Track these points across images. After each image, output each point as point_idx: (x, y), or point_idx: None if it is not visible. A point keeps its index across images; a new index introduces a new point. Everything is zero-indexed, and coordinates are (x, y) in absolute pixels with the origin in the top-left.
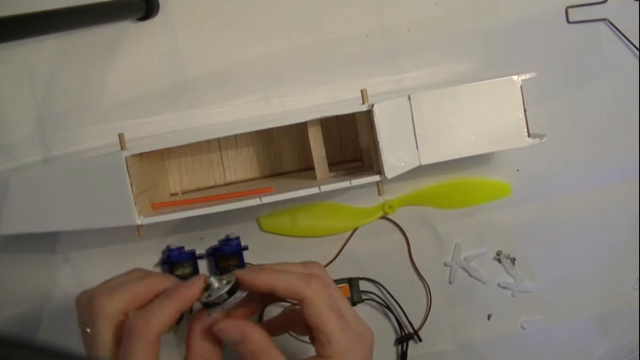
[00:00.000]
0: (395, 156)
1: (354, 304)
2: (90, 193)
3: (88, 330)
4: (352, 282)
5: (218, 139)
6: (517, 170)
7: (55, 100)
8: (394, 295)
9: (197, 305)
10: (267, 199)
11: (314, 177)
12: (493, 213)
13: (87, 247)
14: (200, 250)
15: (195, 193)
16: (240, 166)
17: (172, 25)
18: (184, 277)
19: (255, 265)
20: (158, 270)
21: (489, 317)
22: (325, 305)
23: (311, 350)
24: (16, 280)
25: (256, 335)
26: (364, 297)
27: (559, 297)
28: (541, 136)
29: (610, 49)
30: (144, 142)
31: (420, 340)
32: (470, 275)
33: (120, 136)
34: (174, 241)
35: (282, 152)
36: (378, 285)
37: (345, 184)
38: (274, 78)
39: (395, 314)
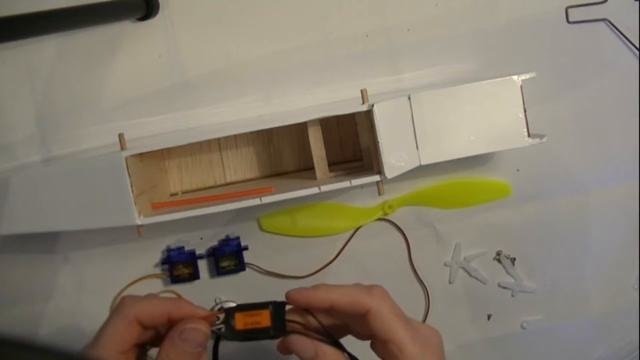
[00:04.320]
0: (395, 156)
1: (272, 337)
2: (90, 193)
3: None
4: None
5: (218, 139)
6: (517, 170)
7: (55, 100)
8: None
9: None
10: (267, 199)
11: (314, 177)
12: (493, 213)
13: (87, 247)
14: (200, 250)
15: (195, 193)
16: (240, 166)
17: (172, 25)
18: (184, 277)
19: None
20: (158, 270)
21: (489, 317)
22: (392, 314)
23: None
24: (16, 280)
25: (330, 352)
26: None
27: (559, 297)
28: (541, 136)
29: (610, 49)
30: (144, 142)
31: None
32: (470, 275)
33: (120, 136)
34: (174, 241)
35: (282, 152)
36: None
37: (345, 184)
38: (274, 78)
39: None
